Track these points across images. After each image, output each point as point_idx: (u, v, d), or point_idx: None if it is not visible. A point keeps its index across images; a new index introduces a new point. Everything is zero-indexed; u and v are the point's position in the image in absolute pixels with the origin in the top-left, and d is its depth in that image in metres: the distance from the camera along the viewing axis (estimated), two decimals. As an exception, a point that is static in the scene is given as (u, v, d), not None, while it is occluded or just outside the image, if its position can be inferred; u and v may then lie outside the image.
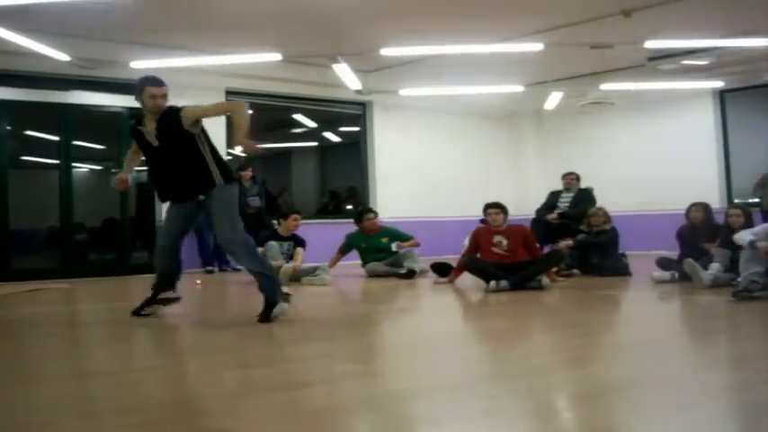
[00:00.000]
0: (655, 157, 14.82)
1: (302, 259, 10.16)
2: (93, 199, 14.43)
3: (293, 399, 3.30)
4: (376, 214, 11.16)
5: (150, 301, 6.27)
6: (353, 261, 10.98)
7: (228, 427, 2.90)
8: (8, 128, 11.27)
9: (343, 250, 10.85)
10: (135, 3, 8.96)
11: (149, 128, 5.85)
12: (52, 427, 2.93)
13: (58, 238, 12.03)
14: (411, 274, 9.97)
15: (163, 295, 6.30)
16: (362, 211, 11.30)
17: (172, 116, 5.74)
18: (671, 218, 9.92)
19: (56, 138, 11.87)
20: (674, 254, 9.08)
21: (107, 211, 12.92)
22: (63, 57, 10.56)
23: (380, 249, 10.71)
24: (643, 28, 10.16)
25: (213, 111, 6.01)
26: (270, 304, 5.65)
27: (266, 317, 5.58)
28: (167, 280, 6.31)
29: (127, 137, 11.98)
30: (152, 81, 5.82)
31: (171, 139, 5.77)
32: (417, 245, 10.75)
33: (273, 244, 10.06)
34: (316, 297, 8.26)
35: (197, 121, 5.76)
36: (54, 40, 10.21)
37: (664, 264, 8.80)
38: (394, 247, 10.60)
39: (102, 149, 14.82)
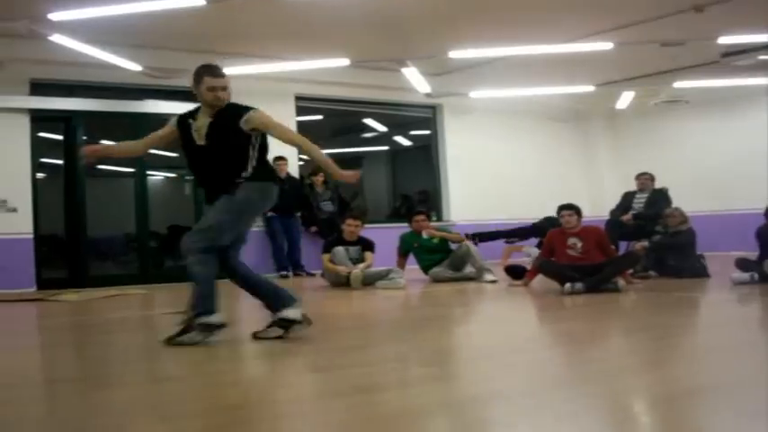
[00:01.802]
0: (731, 154, 14.51)
1: (372, 262, 10.12)
2: (168, 206, 14.68)
3: (367, 402, 3.29)
4: (427, 216, 11.04)
5: (272, 324, 5.14)
6: (415, 266, 10.86)
7: (305, 430, 2.90)
8: (84, 137, 11.48)
9: (401, 253, 10.76)
10: (203, 13, 9.07)
11: (200, 123, 5.19)
12: (128, 429, 2.97)
13: (135, 245, 12.24)
14: (494, 282, 9.79)
15: (280, 315, 5.09)
16: (413, 212, 11.23)
17: (234, 115, 5.12)
18: (750, 217, 9.70)
19: (130, 146, 12.06)
20: (753, 254, 8.86)
21: (181, 217, 13.11)
22: (135, 67, 10.75)
23: (433, 250, 10.62)
24: (716, 23, 9.97)
25: (279, 133, 5.22)
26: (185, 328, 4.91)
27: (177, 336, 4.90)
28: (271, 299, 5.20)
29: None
30: (211, 71, 5.23)
31: (221, 139, 5.13)
32: (461, 240, 10.57)
33: (339, 249, 10.05)
34: (387, 301, 8.26)
35: (256, 129, 5.13)
36: (125, 50, 10.43)
37: (743, 265, 8.58)
38: (453, 246, 10.47)
39: (175, 157, 15.01)
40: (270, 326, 5.10)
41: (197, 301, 4.90)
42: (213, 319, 4.88)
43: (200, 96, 5.23)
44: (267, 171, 5.31)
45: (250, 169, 5.09)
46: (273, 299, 5.16)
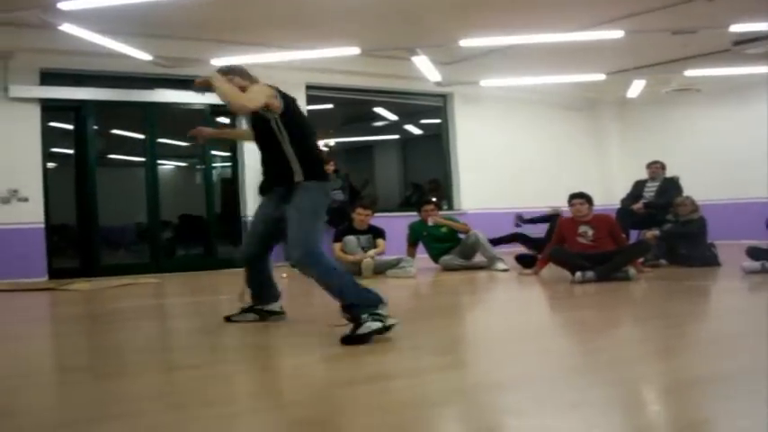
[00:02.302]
0: (742, 143, 14.46)
1: (384, 249, 10.14)
2: (179, 195, 14.73)
3: (381, 390, 3.31)
4: (436, 205, 11.05)
5: (248, 310, 5.53)
6: (425, 255, 10.88)
7: (317, 418, 2.91)
8: (95, 127, 11.53)
9: (411, 242, 10.76)
10: (214, 1, 9.07)
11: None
12: (141, 417, 2.98)
13: (146, 234, 12.29)
14: (505, 271, 9.79)
15: (267, 307, 5.52)
16: (422, 201, 11.24)
17: None
18: (761, 205, 9.69)
19: (141, 136, 12.12)
20: (764, 243, 8.85)
21: (192, 206, 13.16)
22: (145, 56, 10.77)
23: (442, 239, 10.62)
24: (727, 11, 9.93)
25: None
26: (355, 324, 4.42)
27: (350, 339, 4.35)
28: (265, 293, 5.52)
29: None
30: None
31: (254, 121, 5.03)
32: (467, 231, 10.57)
33: (351, 238, 10.09)
34: (398, 289, 8.27)
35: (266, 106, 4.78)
36: (136, 40, 10.43)
37: (754, 253, 8.56)
38: (461, 235, 10.49)
39: (186, 146, 15.09)
40: (246, 311, 5.54)
41: (352, 298, 4.49)
42: (381, 310, 4.45)
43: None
44: (315, 169, 4.97)
45: (300, 167, 4.86)
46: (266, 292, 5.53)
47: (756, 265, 8.23)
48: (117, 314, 6.95)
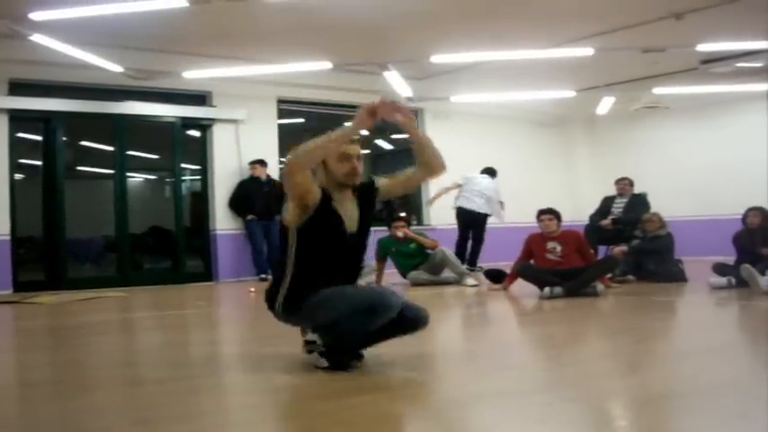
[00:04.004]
0: (710, 161, 14.62)
1: None
2: (148, 208, 14.62)
3: (348, 406, 3.29)
4: (407, 222, 11.04)
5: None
6: (394, 270, 10.84)
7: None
8: (64, 138, 11.43)
9: (380, 257, 10.72)
10: (186, 14, 9.04)
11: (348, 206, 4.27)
12: (108, 433, 2.96)
13: (114, 247, 12.18)
14: (474, 286, 9.80)
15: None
16: (393, 218, 11.25)
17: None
18: (727, 223, 9.77)
19: (110, 148, 12.03)
20: (730, 259, 8.94)
21: (161, 220, 13.08)
22: (116, 68, 10.71)
23: (410, 255, 10.60)
24: (695, 31, 10.04)
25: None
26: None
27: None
28: None
29: (180, 146, 12.23)
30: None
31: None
32: (434, 247, 10.56)
33: None
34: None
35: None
36: (107, 51, 10.37)
37: (720, 269, 8.66)
38: (430, 251, 10.49)
39: (155, 159, 14.99)
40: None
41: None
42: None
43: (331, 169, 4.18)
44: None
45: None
46: None
47: (723, 280, 8.33)
48: (82, 328, 6.88)
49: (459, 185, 12.64)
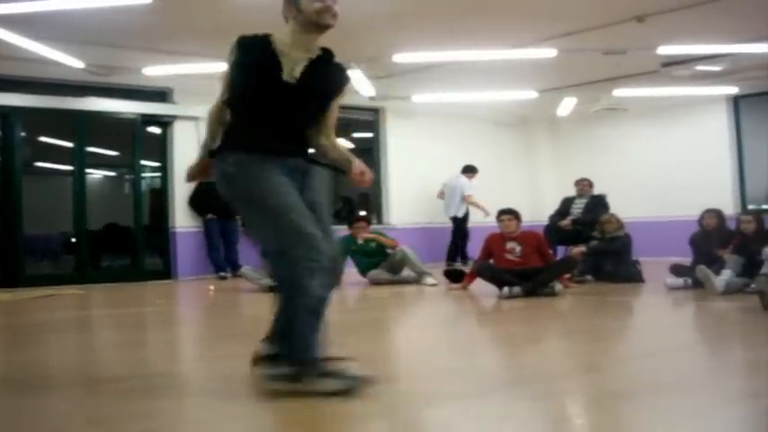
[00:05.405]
0: (668, 163, 14.75)
1: None
2: (107, 205, 14.50)
3: (308, 405, 3.28)
4: (367, 222, 11.05)
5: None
6: (353, 268, 10.83)
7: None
8: (22, 134, 11.30)
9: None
10: (148, 10, 8.97)
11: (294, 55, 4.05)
12: (63, 432, 2.93)
13: (71, 244, 12.06)
14: (433, 285, 9.82)
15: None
16: (354, 218, 11.27)
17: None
18: (684, 224, 9.86)
19: (70, 144, 11.91)
20: (687, 260, 9.04)
21: (120, 217, 12.98)
22: (77, 63, 10.59)
23: (370, 253, 10.61)
24: (656, 34, 10.13)
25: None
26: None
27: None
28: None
29: (140, 143, 12.13)
30: None
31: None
32: (394, 246, 10.56)
33: None
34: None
35: None
36: (68, 46, 10.24)
37: (677, 270, 8.76)
38: (390, 250, 10.51)
39: (115, 156, 14.88)
40: None
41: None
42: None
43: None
44: None
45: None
46: None
47: (679, 281, 8.43)
48: (38, 326, 6.81)
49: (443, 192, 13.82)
